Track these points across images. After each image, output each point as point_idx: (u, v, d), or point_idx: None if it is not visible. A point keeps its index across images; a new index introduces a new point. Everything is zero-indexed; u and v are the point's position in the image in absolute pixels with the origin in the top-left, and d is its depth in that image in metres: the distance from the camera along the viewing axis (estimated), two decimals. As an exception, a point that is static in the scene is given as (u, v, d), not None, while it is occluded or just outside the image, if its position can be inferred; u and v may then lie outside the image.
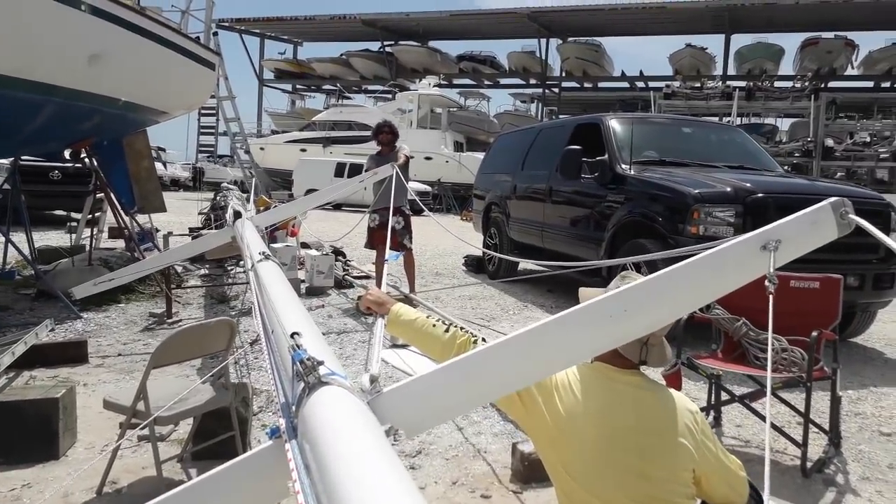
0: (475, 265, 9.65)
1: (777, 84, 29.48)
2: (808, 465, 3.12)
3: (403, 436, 1.45)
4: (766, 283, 1.38)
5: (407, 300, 6.33)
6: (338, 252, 8.86)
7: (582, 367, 1.81)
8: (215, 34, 10.60)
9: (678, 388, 3.45)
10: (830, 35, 33.44)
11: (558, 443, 1.72)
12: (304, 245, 9.26)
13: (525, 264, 8.54)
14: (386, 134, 6.94)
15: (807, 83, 27.37)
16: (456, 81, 42.39)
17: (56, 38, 5.33)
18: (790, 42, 63.61)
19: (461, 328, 1.90)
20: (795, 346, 3.30)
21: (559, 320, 1.42)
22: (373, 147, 7.41)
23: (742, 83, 29.55)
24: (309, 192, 18.00)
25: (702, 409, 3.65)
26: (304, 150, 28.52)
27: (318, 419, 1.22)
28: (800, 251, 1.53)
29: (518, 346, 1.42)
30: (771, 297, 1.34)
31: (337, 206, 20.31)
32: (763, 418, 3.34)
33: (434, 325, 1.91)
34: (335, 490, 1.01)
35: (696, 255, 1.49)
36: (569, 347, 1.44)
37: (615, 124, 6.77)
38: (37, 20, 5.11)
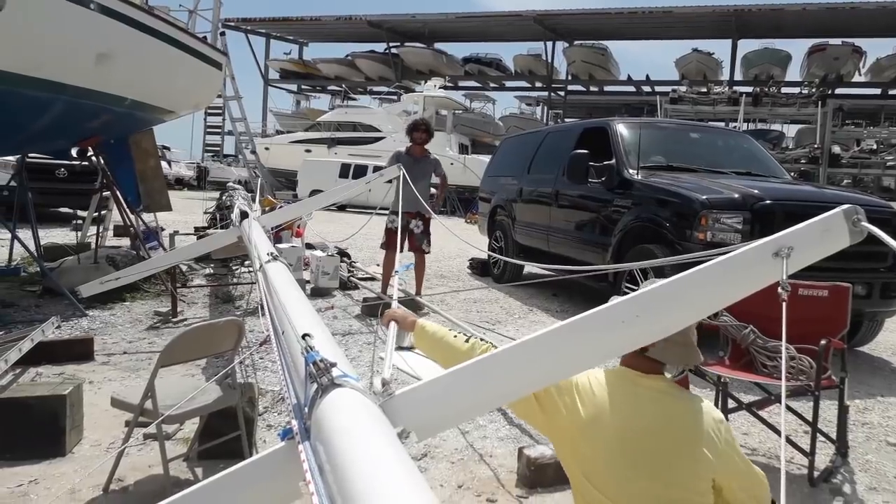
0: (480, 268, 9.65)
1: (784, 90, 29.40)
2: (816, 474, 3.11)
3: (413, 438, 1.45)
4: (779, 290, 1.38)
5: (413, 303, 6.34)
6: (343, 253, 8.87)
7: (605, 370, 1.81)
8: (222, 34, 10.62)
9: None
10: (838, 41, 33.36)
11: (579, 446, 1.72)
12: (310, 246, 9.26)
13: (530, 268, 8.54)
14: (421, 132, 6.91)
15: (814, 89, 27.29)
16: (461, 84, 42.40)
17: (65, 36, 5.36)
18: (797, 48, 63.41)
19: (480, 338, 1.93)
20: (803, 354, 3.29)
21: (572, 325, 1.42)
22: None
23: (749, 89, 29.51)
24: (313, 192, 18.04)
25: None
26: (308, 151, 28.53)
27: (332, 421, 1.22)
28: (812, 258, 1.53)
29: (530, 350, 1.42)
30: (784, 304, 1.34)
31: (342, 208, 20.31)
32: (771, 427, 3.33)
33: (455, 337, 1.95)
34: (350, 493, 1.01)
35: (703, 261, 1.49)
36: (581, 352, 1.44)
37: (623, 129, 6.76)
38: (46, 18, 5.13)
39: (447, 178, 7.02)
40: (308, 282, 7.41)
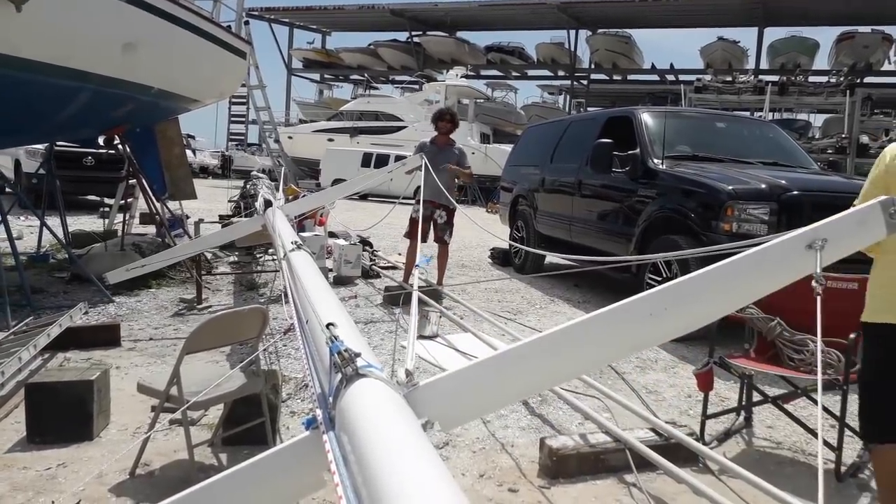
0: (501, 258, 9.63)
1: (811, 79, 28.82)
2: (843, 469, 3.07)
3: (437, 429, 1.44)
4: (814, 283, 1.35)
5: (434, 292, 6.34)
6: (365, 242, 8.89)
7: None
8: (246, 23, 10.67)
9: (709, 388, 3.41)
10: (867, 29, 32.57)
11: None
12: (332, 234, 9.30)
13: (551, 258, 8.50)
14: (446, 122, 6.90)
15: (842, 78, 26.73)
16: (483, 72, 42.17)
17: (92, 26, 5.40)
18: (825, 36, 62.23)
19: None
20: (831, 347, 3.23)
21: (599, 317, 1.41)
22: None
23: (775, 77, 28.97)
24: (336, 181, 18.09)
25: (733, 410, 3.63)
26: (331, 140, 28.60)
27: (356, 411, 1.22)
28: (846, 251, 1.49)
29: (556, 342, 1.40)
30: (819, 297, 1.31)
31: (363, 196, 20.37)
32: (797, 420, 3.28)
33: None
34: (375, 484, 1.01)
35: (729, 252, 1.46)
36: (608, 344, 1.43)
37: (647, 118, 6.68)
38: (73, 8, 5.18)
39: (472, 171, 7.01)
40: (331, 270, 7.45)
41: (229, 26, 8.49)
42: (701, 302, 1.43)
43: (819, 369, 1.36)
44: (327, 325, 1.55)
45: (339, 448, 1.18)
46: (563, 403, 3.69)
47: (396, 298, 6.14)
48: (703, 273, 1.41)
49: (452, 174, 6.80)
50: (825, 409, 3.40)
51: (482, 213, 17.71)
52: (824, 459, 3.23)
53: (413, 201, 6.87)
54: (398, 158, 14.80)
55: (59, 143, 8.71)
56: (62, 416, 3.04)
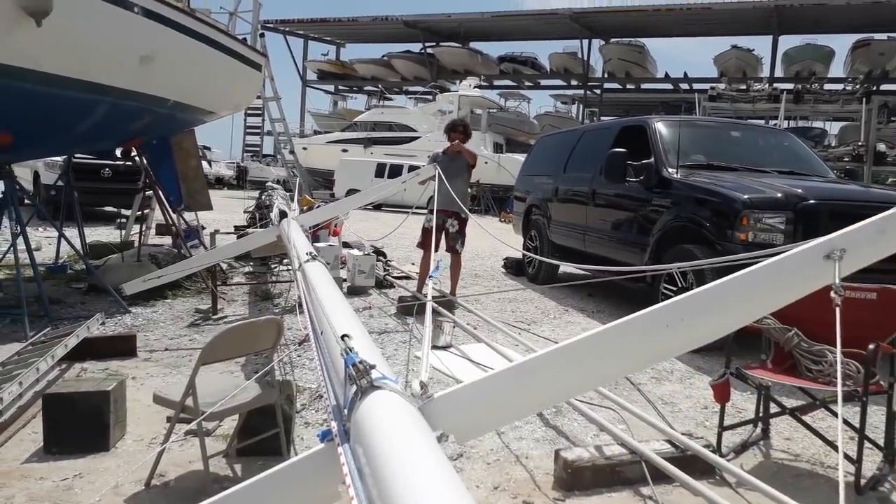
0: (514, 267, 9.61)
1: (827, 87, 28.59)
2: (863, 482, 3.02)
3: (452, 440, 1.44)
4: (832, 294, 1.34)
5: (447, 302, 6.34)
6: (378, 252, 8.92)
7: None
8: (262, 35, 10.75)
9: (726, 399, 3.38)
10: (883, 36, 32.35)
11: None
12: (346, 244, 9.34)
13: (565, 268, 8.47)
14: (459, 133, 6.92)
15: (858, 86, 26.50)
16: (496, 83, 42.27)
17: (109, 39, 5.47)
18: (841, 43, 61.77)
19: None
20: (850, 358, 3.19)
21: (616, 328, 1.40)
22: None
23: (790, 85, 28.77)
24: (350, 192, 18.18)
25: (750, 422, 3.58)
26: (345, 151, 28.78)
27: (371, 424, 1.22)
28: (866, 261, 1.48)
29: (573, 353, 1.40)
30: (838, 308, 1.30)
31: (377, 206, 20.44)
32: (815, 432, 3.23)
33: None
34: (390, 497, 1.01)
35: (745, 262, 1.45)
36: (625, 355, 1.42)
37: (662, 127, 6.66)
38: (91, 22, 5.25)
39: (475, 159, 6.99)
40: (345, 280, 7.47)
41: (245, 39, 8.57)
42: (718, 313, 1.42)
43: (839, 380, 1.34)
44: (342, 337, 1.55)
45: (354, 461, 1.18)
46: (578, 415, 3.67)
47: (410, 309, 6.14)
48: (721, 283, 1.40)
49: (465, 184, 6.81)
50: (845, 422, 3.35)
51: (495, 222, 17.71)
52: (844, 472, 3.18)
53: (426, 211, 6.89)
54: (411, 169, 14.86)
55: (76, 155, 8.81)
56: (79, 426, 3.06)
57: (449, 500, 0.97)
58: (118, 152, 8.21)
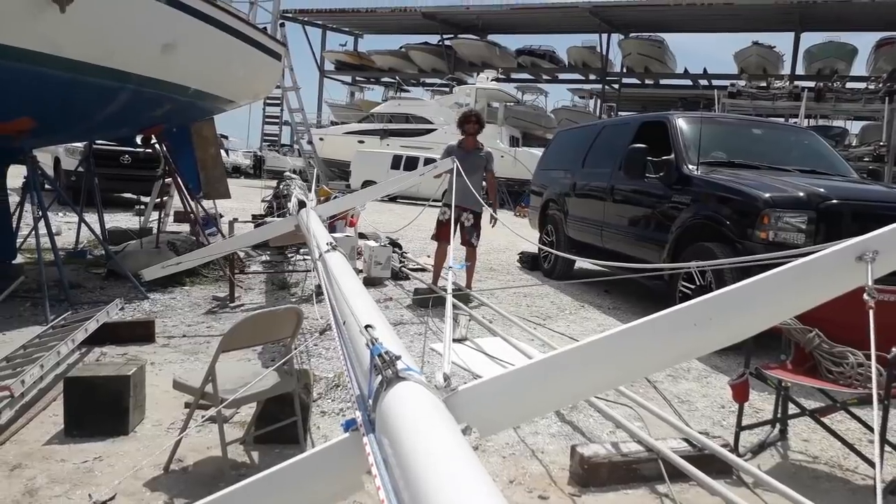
0: (530, 262, 9.58)
1: (849, 85, 28.21)
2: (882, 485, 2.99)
3: (475, 434, 1.44)
4: (865, 296, 1.32)
5: (463, 295, 6.34)
6: (394, 244, 8.92)
7: None
8: (282, 25, 10.77)
9: (745, 399, 3.35)
10: (907, 35, 31.89)
11: None
12: (362, 236, 9.36)
13: (580, 264, 8.43)
14: (473, 124, 6.89)
15: (881, 84, 26.11)
16: (514, 76, 42.10)
17: (132, 26, 5.50)
18: (864, 41, 60.92)
19: None
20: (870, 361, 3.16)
21: (641, 326, 1.39)
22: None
23: (811, 83, 28.42)
24: (366, 183, 18.22)
25: (768, 422, 3.56)
26: (361, 142, 28.81)
27: (397, 414, 1.22)
28: (898, 263, 1.45)
29: (598, 350, 1.39)
30: (871, 311, 1.28)
31: (392, 198, 20.46)
32: (835, 434, 3.20)
33: None
34: (417, 486, 1.01)
35: (766, 261, 1.43)
36: (651, 353, 1.41)
37: (682, 123, 6.60)
38: (114, 9, 5.28)
39: (495, 178, 7.00)
40: (360, 271, 7.49)
41: (265, 28, 8.58)
42: (746, 313, 1.40)
43: (874, 383, 1.33)
44: (366, 327, 1.56)
45: (379, 450, 1.19)
46: (595, 411, 3.66)
47: (426, 301, 6.15)
48: (749, 283, 1.39)
49: (480, 177, 6.79)
50: (865, 425, 3.32)
51: (511, 216, 17.67)
52: (862, 475, 3.16)
53: (440, 203, 6.88)
54: (427, 161, 14.84)
55: (97, 141, 8.88)
56: (99, 410, 3.09)
57: (477, 492, 0.97)
58: (138, 139, 8.26)
